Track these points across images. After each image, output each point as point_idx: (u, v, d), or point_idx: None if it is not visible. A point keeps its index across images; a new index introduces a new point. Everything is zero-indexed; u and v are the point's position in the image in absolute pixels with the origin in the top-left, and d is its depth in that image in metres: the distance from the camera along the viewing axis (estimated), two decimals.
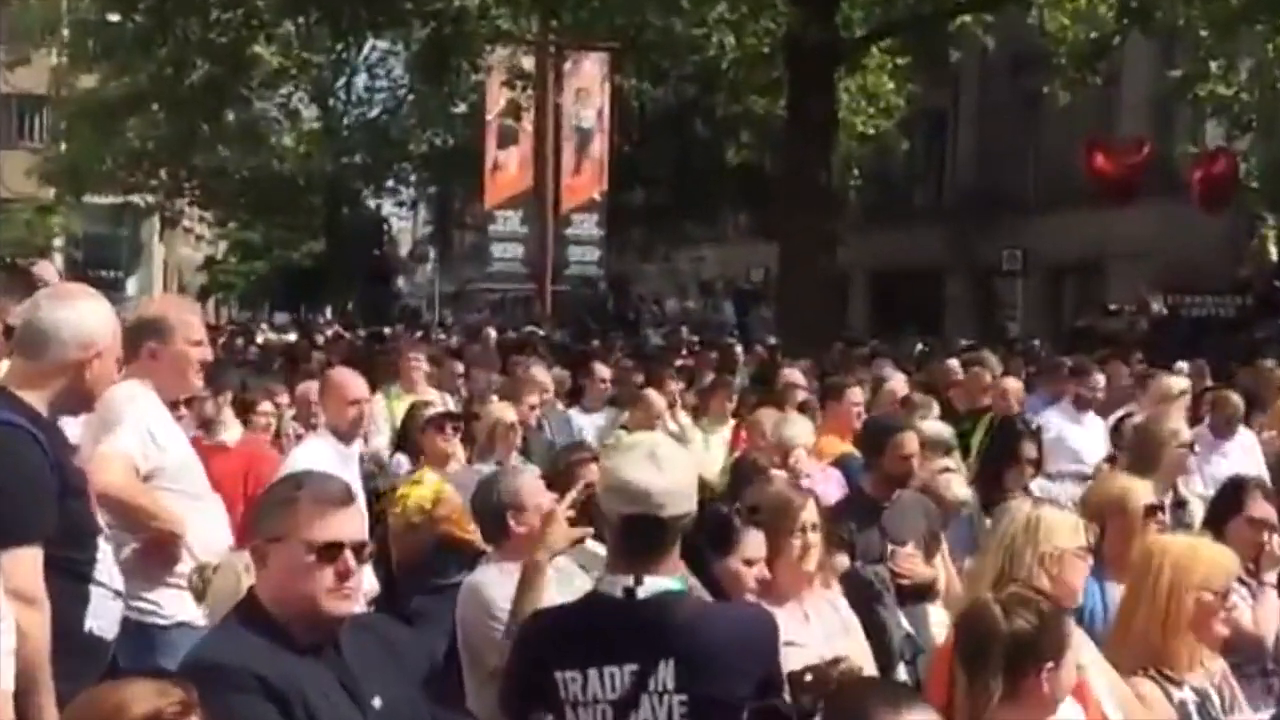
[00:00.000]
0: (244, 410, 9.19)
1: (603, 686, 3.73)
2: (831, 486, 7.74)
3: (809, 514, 5.17)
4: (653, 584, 3.76)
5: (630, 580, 3.76)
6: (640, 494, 3.75)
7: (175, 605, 5.27)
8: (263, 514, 3.59)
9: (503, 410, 9.16)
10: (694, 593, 4.10)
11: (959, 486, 7.56)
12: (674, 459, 3.84)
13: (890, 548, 6.65)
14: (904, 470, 6.96)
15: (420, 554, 7.76)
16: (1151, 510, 5.61)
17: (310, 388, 10.54)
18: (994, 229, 32.48)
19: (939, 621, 6.67)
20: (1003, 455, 7.96)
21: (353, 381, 7.70)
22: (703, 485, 9.32)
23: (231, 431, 8.47)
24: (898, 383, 11.62)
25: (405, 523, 7.95)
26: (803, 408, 10.11)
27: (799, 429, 8.32)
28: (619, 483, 3.79)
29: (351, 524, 3.55)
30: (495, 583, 5.28)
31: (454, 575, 6.40)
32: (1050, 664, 3.72)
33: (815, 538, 5.16)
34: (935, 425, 8.77)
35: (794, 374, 11.63)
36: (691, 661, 3.72)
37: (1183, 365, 14.05)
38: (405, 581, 7.97)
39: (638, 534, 3.78)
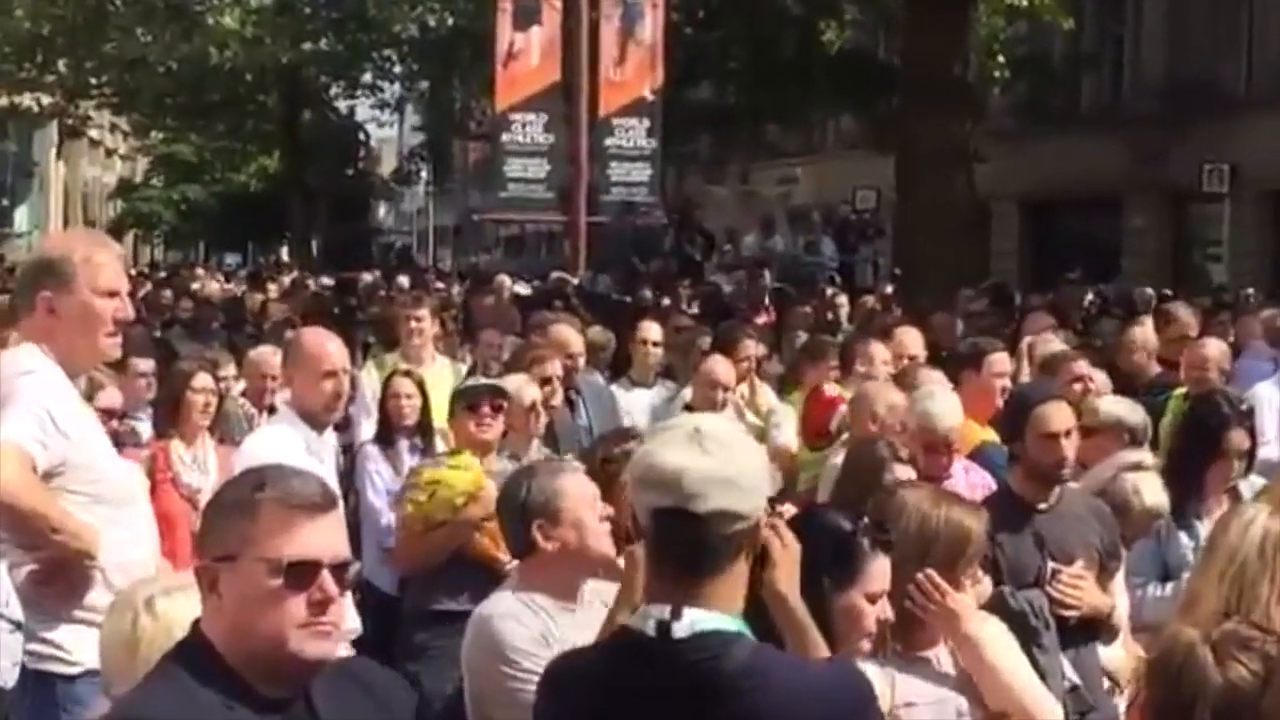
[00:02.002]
0: (178, 387, 9.22)
1: None
2: (974, 487, 7.72)
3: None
4: (694, 619, 3.61)
5: (665, 611, 3.63)
6: (669, 479, 3.61)
7: (83, 648, 5.29)
8: (211, 525, 3.59)
9: (520, 386, 9.18)
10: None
11: (1152, 491, 7.53)
12: (726, 440, 3.70)
13: (1050, 567, 6.64)
14: (1050, 457, 6.88)
15: (433, 566, 7.79)
16: None
17: (266, 355, 10.60)
18: (1190, 138, 32.25)
19: (1115, 667, 6.67)
20: (1202, 445, 7.92)
21: (328, 346, 7.71)
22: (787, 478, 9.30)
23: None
24: (1049, 343, 11.50)
25: (424, 519, 7.92)
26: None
27: (948, 404, 8.26)
28: (645, 468, 3.69)
29: (330, 536, 3.55)
30: (511, 615, 5.31)
31: (468, 600, 6.45)
32: None
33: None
34: (1117, 403, 8.73)
35: (909, 335, 11.51)
36: None
37: None
38: (410, 601, 8.01)
39: (671, 540, 3.65)
